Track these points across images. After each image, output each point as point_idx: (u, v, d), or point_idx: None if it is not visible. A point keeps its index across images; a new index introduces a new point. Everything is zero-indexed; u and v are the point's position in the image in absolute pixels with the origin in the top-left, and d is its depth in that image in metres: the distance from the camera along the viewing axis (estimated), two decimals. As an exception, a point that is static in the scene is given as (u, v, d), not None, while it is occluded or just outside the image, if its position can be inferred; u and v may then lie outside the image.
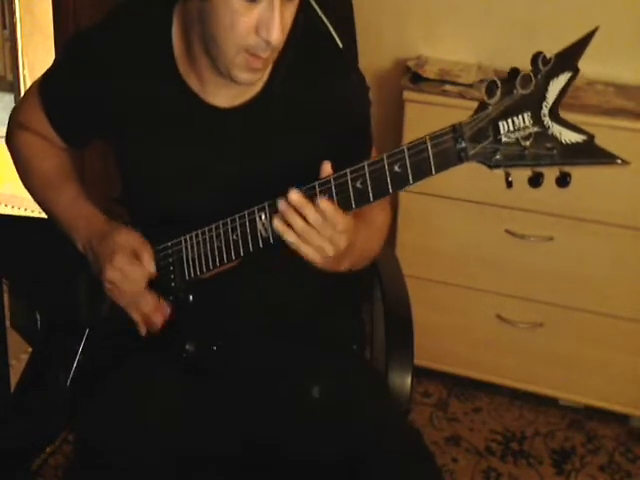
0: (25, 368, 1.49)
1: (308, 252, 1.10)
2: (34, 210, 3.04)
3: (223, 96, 1.25)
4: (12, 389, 1.72)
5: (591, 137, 0.98)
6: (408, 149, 1.03)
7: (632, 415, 2.36)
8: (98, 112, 1.31)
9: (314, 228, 1.08)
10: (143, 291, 1.28)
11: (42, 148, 1.42)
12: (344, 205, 1.09)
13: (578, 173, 2.39)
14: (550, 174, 1.00)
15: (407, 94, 2.23)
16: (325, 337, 1.37)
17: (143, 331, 1.30)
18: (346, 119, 1.27)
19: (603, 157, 0.98)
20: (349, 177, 1.07)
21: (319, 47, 1.31)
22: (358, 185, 1.06)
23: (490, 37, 2.42)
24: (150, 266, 1.27)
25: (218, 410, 1.31)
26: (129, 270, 1.26)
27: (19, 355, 2.06)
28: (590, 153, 0.98)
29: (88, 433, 1.29)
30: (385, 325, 1.50)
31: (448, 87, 2.24)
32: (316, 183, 1.10)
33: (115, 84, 1.28)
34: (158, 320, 1.28)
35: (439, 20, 2.45)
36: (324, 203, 1.07)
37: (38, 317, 1.46)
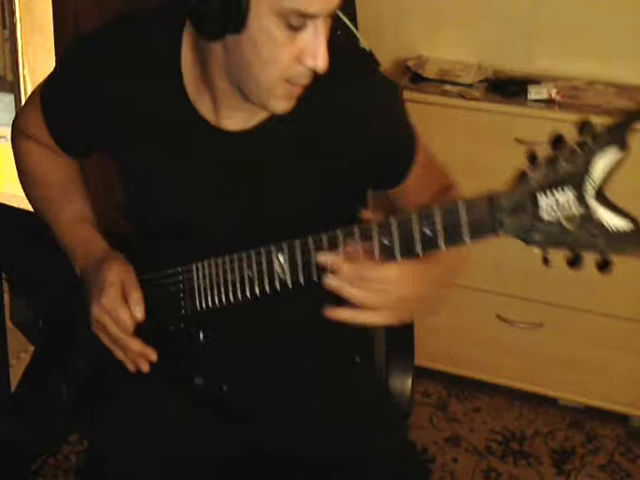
0: (26, 369, 1.47)
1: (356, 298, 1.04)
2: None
3: (236, 119, 1.18)
4: (13, 389, 1.72)
5: (638, 225, 0.90)
6: (441, 211, 0.96)
7: (632, 415, 2.36)
8: (97, 122, 1.25)
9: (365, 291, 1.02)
10: (128, 337, 1.20)
11: (47, 158, 1.36)
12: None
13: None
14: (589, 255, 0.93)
15: (407, 94, 2.23)
16: (328, 351, 1.35)
17: (131, 368, 1.24)
18: (368, 137, 1.17)
19: None
20: (376, 232, 1.01)
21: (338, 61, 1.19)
22: (385, 241, 1.00)
23: (490, 37, 2.42)
24: (138, 312, 1.20)
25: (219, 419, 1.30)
26: (117, 312, 1.19)
27: (19, 355, 2.06)
28: (638, 243, 0.90)
29: (100, 443, 1.29)
30: (385, 329, 1.50)
31: (448, 87, 2.24)
32: (341, 234, 1.03)
33: (116, 96, 1.21)
34: (144, 366, 1.22)
35: (439, 20, 2.45)
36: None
37: (40, 322, 1.45)
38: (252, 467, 1.30)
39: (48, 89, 1.32)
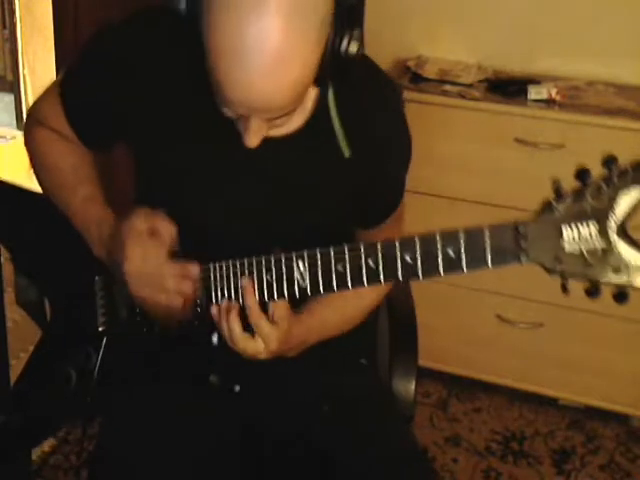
0: (32, 354, 1.46)
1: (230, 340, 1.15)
2: (34, 210, 3.04)
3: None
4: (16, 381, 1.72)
5: None
6: (465, 234, 1.01)
7: (632, 415, 2.36)
8: (120, 115, 1.23)
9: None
10: (165, 262, 1.17)
11: (60, 146, 1.35)
12: (389, 274, 1.04)
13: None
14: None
15: (407, 94, 2.23)
16: (334, 353, 1.35)
17: (175, 303, 1.21)
18: (384, 159, 1.23)
19: None
20: (398, 248, 1.03)
21: (367, 80, 1.23)
22: (407, 259, 1.03)
23: (490, 37, 2.42)
24: (169, 230, 1.18)
25: (225, 418, 1.30)
26: (145, 249, 1.17)
27: (19, 355, 2.06)
28: None
29: (106, 441, 1.28)
30: (389, 330, 1.51)
31: (448, 87, 2.24)
32: (362, 248, 1.05)
33: (142, 88, 1.20)
34: (188, 288, 1.18)
35: (439, 20, 2.45)
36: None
37: (48, 307, 1.44)
38: (260, 466, 1.30)
39: (69, 81, 1.31)
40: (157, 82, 1.19)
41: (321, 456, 1.25)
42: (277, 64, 0.95)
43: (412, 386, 1.41)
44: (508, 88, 2.22)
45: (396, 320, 1.53)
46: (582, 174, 0.91)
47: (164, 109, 1.20)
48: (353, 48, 1.03)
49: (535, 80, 2.23)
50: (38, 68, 3.22)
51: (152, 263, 1.18)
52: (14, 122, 3.43)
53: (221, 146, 1.19)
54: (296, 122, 1.18)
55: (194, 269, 1.18)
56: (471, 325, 2.40)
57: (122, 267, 1.19)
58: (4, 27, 3.38)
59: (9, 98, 3.41)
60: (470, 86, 2.25)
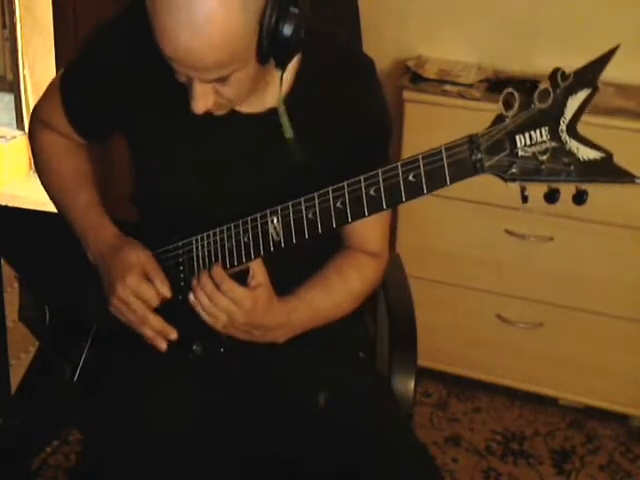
0: (32, 361, 1.49)
1: (204, 316, 1.20)
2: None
3: (249, 103, 1.24)
4: (16, 384, 1.72)
5: (609, 155, 0.97)
6: (423, 158, 1.03)
7: (632, 415, 2.36)
8: (119, 106, 1.30)
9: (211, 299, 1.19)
10: (150, 313, 1.26)
11: (63, 148, 1.42)
12: (356, 212, 1.09)
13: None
14: (566, 190, 0.99)
15: (407, 94, 2.23)
16: (332, 345, 1.37)
17: (151, 344, 1.29)
18: (365, 127, 1.28)
19: (621, 176, 0.97)
20: (362, 184, 1.07)
21: (340, 54, 1.30)
22: (372, 193, 1.07)
23: (490, 37, 2.42)
24: (165, 290, 1.26)
25: (224, 415, 1.30)
26: (140, 289, 1.25)
27: (19, 355, 2.07)
28: (608, 171, 0.97)
29: (95, 436, 1.29)
30: (389, 329, 1.51)
31: (448, 87, 2.24)
32: (330, 189, 1.10)
33: (136, 81, 1.26)
34: (161, 344, 1.26)
35: (439, 20, 2.45)
36: (219, 276, 1.18)
37: (47, 311, 1.46)
38: (256, 459, 1.30)
39: (68, 77, 1.37)
40: (149, 72, 1.24)
41: (318, 448, 1.25)
42: (203, 23, 1.02)
43: (412, 384, 1.41)
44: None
45: (395, 319, 1.53)
46: (530, 86, 0.97)
47: (156, 98, 1.26)
48: (287, 30, 1.07)
49: (535, 80, 2.23)
50: (38, 68, 3.22)
51: (141, 306, 1.26)
52: (14, 122, 3.43)
53: (204, 130, 1.25)
54: (268, 101, 1.24)
55: (173, 334, 1.26)
56: (471, 325, 2.40)
57: (116, 289, 1.26)
58: (4, 27, 3.37)
59: (9, 98, 3.41)
60: (470, 86, 2.25)
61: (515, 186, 1.00)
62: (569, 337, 2.31)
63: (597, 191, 2.39)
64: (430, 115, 2.19)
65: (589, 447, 2.29)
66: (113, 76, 1.28)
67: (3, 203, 3.21)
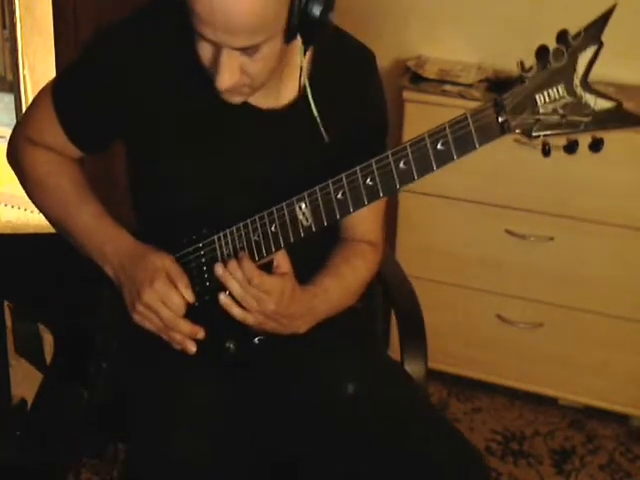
0: (38, 392, 1.45)
1: (234, 311, 1.21)
2: (34, 210, 3.03)
3: (263, 98, 1.25)
4: (14, 391, 1.71)
5: (619, 103, 1.04)
6: (450, 126, 1.07)
7: (632, 415, 2.36)
8: (121, 113, 1.27)
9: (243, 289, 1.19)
10: (179, 318, 1.25)
11: (58, 163, 1.35)
12: (387, 187, 1.12)
13: (579, 173, 2.39)
14: (583, 143, 1.06)
15: (407, 94, 2.23)
16: (351, 336, 1.39)
17: (178, 348, 1.28)
18: (371, 120, 1.33)
19: (634, 121, 1.05)
20: (391, 158, 1.11)
21: (349, 47, 1.34)
22: (402, 165, 1.10)
23: (490, 37, 2.42)
24: (189, 295, 1.25)
25: (256, 413, 1.30)
26: (169, 295, 1.24)
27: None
28: (621, 117, 1.05)
29: (132, 449, 1.30)
30: (397, 321, 1.54)
31: (448, 87, 2.24)
32: (357, 168, 1.13)
33: (142, 82, 1.24)
34: (191, 347, 1.25)
35: (439, 20, 2.45)
36: (246, 264, 1.18)
37: (48, 335, 1.44)
38: (284, 454, 1.31)
39: (62, 85, 1.32)
40: (153, 74, 1.23)
41: (348, 437, 1.25)
42: None
43: (423, 371, 1.45)
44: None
45: (402, 314, 1.56)
46: (542, 49, 1.06)
47: (165, 101, 1.25)
48: (316, 9, 1.11)
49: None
50: (38, 68, 3.22)
51: (169, 311, 1.24)
52: (14, 122, 3.43)
53: (215, 129, 1.26)
54: (284, 96, 1.26)
55: (201, 333, 1.25)
56: (471, 325, 2.40)
57: (143, 295, 1.24)
58: (4, 27, 3.38)
59: (9, 98, 3.41)
60: (470, 86, 2.25)
61: (538, 141, 1.07)
62: (569, 337, 2.31)
63: (597, 191, 2.40)
64: (430, 115, 2.19)
65: (589, 447, 2.29)
66: (113, 77, 1.25)
67: (3, 203, 3.21)
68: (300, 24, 1.11)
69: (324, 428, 1.28)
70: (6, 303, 1.52)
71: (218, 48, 1.10)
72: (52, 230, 1.40)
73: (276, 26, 1.09)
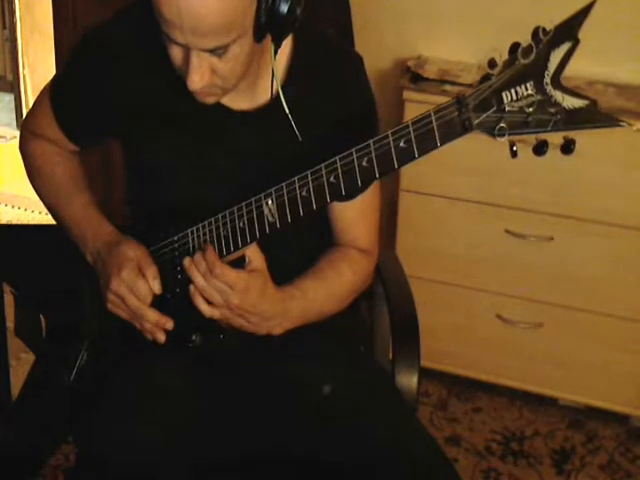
0: (28, 374, 1.50)
1: (201, 305, 1.20)
2: (34, 210, 3.04)
3: (238, 99, 1.26)
4: (13, 391, 1.73)
5: (593, 102, 1.00)
6: (413, 123, 1.05)
7: (632, 415, 2.36)
8: (108, 109, 1.31)
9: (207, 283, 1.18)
10: (146, 307, 1.27)
11: (54, 154, 1.44)
12: (350, 185, 1.11)
13: (579, 173, 2.38)
14: (554, 145, 1.01)
15: (407, 94, 2.23)
16: (332, 340, 1.38)
17: (149, 337, 1.30)
18: (354, 118, 1.30)
19: (605, 121, 1.00)
20: (355, 156, 1.09)
21: (330, 49, 1.33)
22: (364, 164, 1.09)
23: (490, 37, 2.42)
24: (156, 285, 1.27)
25: (227, 412, 1.30)
26: (136, 284, 1.26)
27: (19, 355, 2.07)
28: (594, 117, 1.00)
29: (90, 439, 1.29)
30: (391, 325, 1.51)
31: (448, 87, 2.24)
32: (322, 165, 1.12)
33: (125, 85, 1.28)
34: (160, 336, 1.27)
35: (439, 20, 2.45)
36: (211, 256, 1.17)
37: (43, 321, 1.47)
38: (257, 465, 1.31)
39: (58, 84, 1.39)
40: (139, 75, 1.27)
41: (319, 441, 1.26)
42: None
43: (415, 379, 1.42)
44: (508, 88, 2.21)
45: (397, 313, 1.53)
46: (513, 46, 1.00)
47: (147, 100, 1.28)
48: (283, 6, 1.10)
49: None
50: (38, 68, 3.22)
51: (136, 300, 1.27)
52: (14, 122, 3.43)
53: (195, 127, 1.28)
54: (260, 97, 1.27)
55: (169, 323, 1.26)
56: (471, 325, 2.40)
57: (111, 283, 1.27)
58: (4, 27, 3.38)
59: (9, 98, 3.42)
60: (470, 86, 2.25)
61: (503, 142, 1.02)
62: (569, 337, 2.31)
63: (597, 191, 2.40)
64: (430, 115, 2.19)
65: (589, 447, 2.29)
66: (97, 77, 1.30)
67: (3, 203, 3.21)
68: (268, 22, 1.11)
69: (291, 426, 1.29)
70: (9, 289, 1.58)
71: (187, 50, 1.11)
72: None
73: (244, 25, 1.10)
